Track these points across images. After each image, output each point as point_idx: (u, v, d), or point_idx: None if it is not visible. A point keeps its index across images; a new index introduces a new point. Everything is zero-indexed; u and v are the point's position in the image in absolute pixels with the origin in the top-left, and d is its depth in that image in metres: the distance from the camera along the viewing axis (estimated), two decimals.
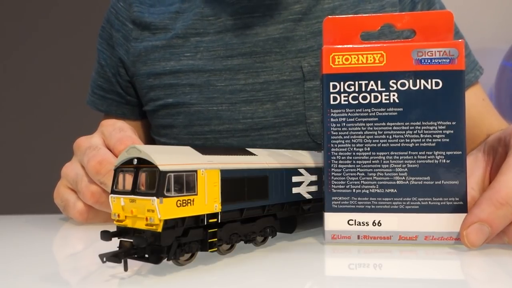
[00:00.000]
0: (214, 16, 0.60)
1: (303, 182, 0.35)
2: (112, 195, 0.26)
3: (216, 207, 0.27)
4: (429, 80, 0.33)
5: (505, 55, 1.37)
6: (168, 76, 0.60)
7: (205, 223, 0.26)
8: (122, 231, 0.26)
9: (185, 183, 0.25)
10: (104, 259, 0.24)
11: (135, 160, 0.25)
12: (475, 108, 0.61)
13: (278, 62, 0.57)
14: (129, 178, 0.25)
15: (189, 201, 0.25)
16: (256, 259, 0.29)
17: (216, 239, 0.27)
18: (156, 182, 0.24)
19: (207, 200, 0.26)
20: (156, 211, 0.23)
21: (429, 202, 0.32)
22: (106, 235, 0.25)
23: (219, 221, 0.27)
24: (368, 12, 0.59)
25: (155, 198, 0.23)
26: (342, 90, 0.34)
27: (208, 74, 0.59)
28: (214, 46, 0.59)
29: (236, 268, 0.27)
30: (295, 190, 0.34)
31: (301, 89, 0.57)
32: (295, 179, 0.34)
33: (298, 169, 0.34)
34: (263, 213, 0.31)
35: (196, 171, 0.26)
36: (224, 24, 0.59)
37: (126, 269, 0.24)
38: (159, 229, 0.24)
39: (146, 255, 0.25)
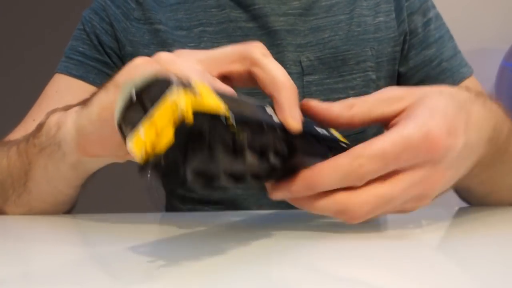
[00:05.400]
0: (217, 8, 0.61)
1: None
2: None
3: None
4: None
5: (505, 55, 1.37)
6: None
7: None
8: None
9: None
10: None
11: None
12: None
13: (279, 55, 0.59)
14: None
15: None
16: (257, 259, 0.29)
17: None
18: None
19: None
20: None
21: None
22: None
23: None
24: (364, 9, 0.61)
25: None
26: None
27: None
28: (218, 37, 0.60)
29: (236, 268, 0.27)
30: None
31: (300, 83, 0.58)
32: None
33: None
34: None
35: None
36: (228, 15, 0.61)
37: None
38: None
39: None
